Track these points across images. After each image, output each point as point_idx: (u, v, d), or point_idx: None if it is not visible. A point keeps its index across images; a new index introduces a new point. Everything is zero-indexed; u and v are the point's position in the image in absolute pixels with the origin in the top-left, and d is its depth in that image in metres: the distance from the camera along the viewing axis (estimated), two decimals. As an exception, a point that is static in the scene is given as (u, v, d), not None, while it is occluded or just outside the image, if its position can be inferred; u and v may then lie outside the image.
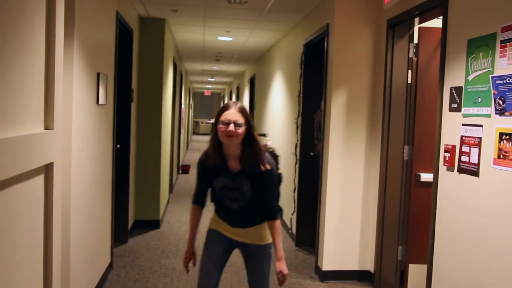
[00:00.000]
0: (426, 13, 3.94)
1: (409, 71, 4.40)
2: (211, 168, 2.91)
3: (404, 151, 4.42)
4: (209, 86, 24.68)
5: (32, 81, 1.59)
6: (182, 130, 13.20)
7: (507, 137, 2.69)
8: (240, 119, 2.75)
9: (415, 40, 4.39)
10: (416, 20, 4.30)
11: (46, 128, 1.72)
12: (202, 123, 30.53)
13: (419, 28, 4.34)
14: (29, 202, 1.61)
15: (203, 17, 6.53)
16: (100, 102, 4.09)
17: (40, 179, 1.69)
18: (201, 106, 31.85)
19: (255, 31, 7.37)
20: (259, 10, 5.86)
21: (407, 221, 4.44)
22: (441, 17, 3.51)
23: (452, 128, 3.30)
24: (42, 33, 1.66)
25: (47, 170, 1.74)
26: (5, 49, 1.37)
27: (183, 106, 13.31)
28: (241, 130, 2.75)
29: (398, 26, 4.36)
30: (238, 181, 2.85)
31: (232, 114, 2.75)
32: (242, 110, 2.79)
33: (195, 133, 29.47)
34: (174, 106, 9.19)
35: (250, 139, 2.80)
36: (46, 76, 1.70)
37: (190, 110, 22.44)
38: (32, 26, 1.59)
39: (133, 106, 6.10)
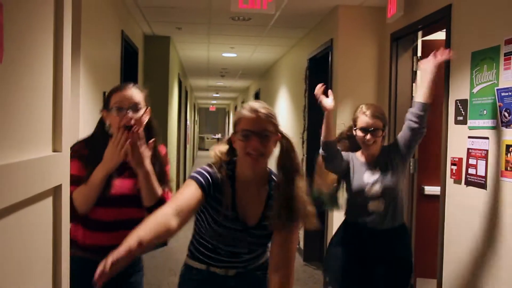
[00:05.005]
0: (429, 27, 3.95)
1: (414, 84, 4.41)
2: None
3: (410, 164, 4.40)
4: (214, 102, 24.80)
5: (41, 103, 1.61)
6: (187, 146, 13.23)
7: (514, 149, 2.68)
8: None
9: (419, 53, 4.40)
10: (420, 33, 4.32)
11: (54, 151, 1.73)
12: (207, 138, 30.59)
13: (422, 41, 4.36)
14: (39, 224, 1.61)
15: (208, 34, 6.58)
16: (107, 122, 4.11)
17: (49, 202, 1.70)
18: (206, 121, 31.95)
19: (260, 46, 7.41)
20: (263, 27, 5.90)
21: (414, 234, 4.42)
22: (445, 30, 3.53)
23: (458, 140, 3.29)
24: (50, 56, 1.68)
25: (56, 192, 1.74)
26: (15, 74, 1.39)
27: (188, 122, 13.36)
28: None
29: (402, 39, 4.38)
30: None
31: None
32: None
33: (201, 148, 29.53)
34: (180, 122, 9.22)
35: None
36: (54, 98, 1.72)
37: (196, 126, 22.51)
38: (40, 49, 1.61)
39: (139, 123, 6.13)
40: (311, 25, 5.73)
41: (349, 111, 4.74)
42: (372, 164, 3.00)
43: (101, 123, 2.25)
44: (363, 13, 4.73)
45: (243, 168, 2.01)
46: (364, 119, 2.93)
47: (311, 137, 5.87)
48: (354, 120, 3.02)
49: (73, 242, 1.95)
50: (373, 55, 4.78)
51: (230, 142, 2.06)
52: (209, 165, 2.04)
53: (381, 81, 4.74)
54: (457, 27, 3.35)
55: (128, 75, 5.53)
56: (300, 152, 6.36)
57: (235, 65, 9.71)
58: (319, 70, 5.73)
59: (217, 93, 18.08)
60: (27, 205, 1.49)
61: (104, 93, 4.04)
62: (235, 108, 21.06)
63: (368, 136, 2.92)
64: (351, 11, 4.73)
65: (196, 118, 22.61)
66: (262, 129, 1.92)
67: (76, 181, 2.00)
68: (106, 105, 2.21)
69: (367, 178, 2.98)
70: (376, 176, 2.97)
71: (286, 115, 7.67)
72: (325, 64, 5.32)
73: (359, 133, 2.96)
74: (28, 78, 1.48)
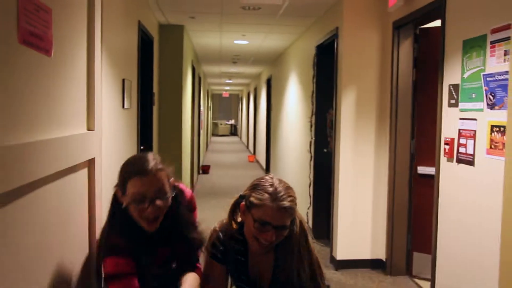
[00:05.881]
0: (427, 16, 4.19)
1: (414, 70, 4.66)
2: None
3: (411, 145, 4.68)
4: (227, 88, 25.05)
5: (78, 89, 1.91)
6: (201, 132, 13.55)
7: (497, 129, 2.95)
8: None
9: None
10: (419, 21, 4.55)
11: (88, 129, 2.04)
12: (221, 124, 30.92)
13: (420, 29, 4.60)
14: (77, 189, 1.93)
15: (220, 23, 6.85)
16: (125, 106, 4.42)
17: (84, 171, 2.02)
18: (219, 107, 32.24)
19: (270, 34, 7.67)
20: (273, 15, 6.16)
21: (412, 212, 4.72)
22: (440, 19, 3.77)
23: (451, 122, 3.56)
24: (84, 51, 1.98)
25: (90, 164, 2.06)
26: (59, 65, 1.70)
27: (202, 108, 13.66)
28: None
29: (403, 27, 4.62)
30: None
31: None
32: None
33: (214, 134, 29.86)
34: (194, 108, 9.53)
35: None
36: (88, 86, 2.02)
37: (209, 112, 22.82)
38: (77, 45, 1.91)
39: (155, 109, 6.44)
40: (318, 14, 5.98)
41: (354, 96, 5.01)
42: None
43: (117, 203, 1.90)
44: (366, 2, 4.98)
45: (251, 243, 1.94)
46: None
47: (318, 121, 6.15)
48: None
49: None
50: (376, 43, 5.03)
51: (238, 206, 1.96)
52: (219, 239, 2.00)
53: (384, 67, 4.99)
54: (450, 17, 3.60)
55: (145, 62, 5.83)
56: (308, 135, 6.65)
57: (247, 52, 9.96)
58: (326, 57, 5.98)
59: (230, 79, 18.33)
60: (68, 174, 1.81)
61: (124, 81, 4.34)
62: (248, 94, 21.31)
63: None
64: (355, 1, 4.98)
65: (209, 104, 22.92)
66: (282, 224, 1.84)
67: (115, 277, 1.80)
68: (122, 188, 1.87)
69: None
70: None
71: (296, 100, 7.95)
72: (331, 51, 5.57)
73: None
74: (69, 69, 1.78)
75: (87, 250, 2.03)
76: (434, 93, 3.85)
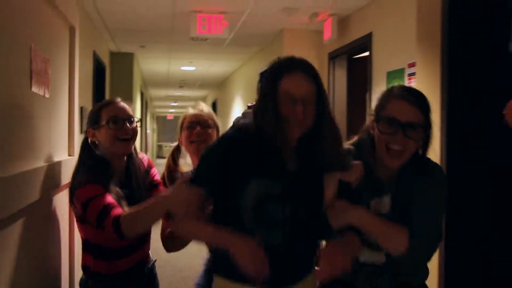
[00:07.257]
0: (357, 48, 4.73)
1: (348, 96, 5.18)
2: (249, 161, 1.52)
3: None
4: (172, 110, 25.28)
5: (62, 121, 2.26)
6: (148, 154, 13.74)
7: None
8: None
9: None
10: (352, 53, 5.09)
11: (69, 155, 2.38)
12: (165, 146, 30.91)
13: (352, 59, 5.14)
14: (60, 210, 2.26)
15: (168, 51, 7.23)
16: (82, 132, 4.70)
17: (66, 193, 2.34)
18: (164, 130, 32.27)
19: (216, 61, 8.10)
20: (219, 45, 6.60)
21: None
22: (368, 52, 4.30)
23: (379, 143, 4.05)
24: (66, 90, 2.33)
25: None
26: (52, 103, 2.04)
27: (148, 130, 13.87)
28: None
29: (337, 58, 5.15)
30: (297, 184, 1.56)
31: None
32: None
33: (159, 156, 29.79)
34: (141, 131, 9.79)
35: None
36: (69, 117, 2.37)
37: (154, 134, 22.94)
38: (61, 85, 2.26)
39: (107, 133, 6.68)
40: (262, 45, 6.48)
41: (295, 119, 5.48)
42: (386, 185, 1.74)
43: (88, 147, 2.02)
44: (305, 35, 5.50)
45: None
46: (397, 105, 1.64)
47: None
48: (378, 109, 1.75)
49: (97, 276, 1.93)
50: (314, 71, 5.53)
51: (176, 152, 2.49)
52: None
53: (322, 93, 5.49)
54: (376, 51, 4.13)
55: (99, 89, 6.12)
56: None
57: (194, 77, 10.36)
58: (269, 83, 6.45)
59: (175, 102, 18.61)
60: (54, 195, 2.14)
61: (82, 108, 4.63)
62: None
63: (399, 136, 1.62)
64: (295, 34, 5.50)
65: (154, 127, 23.05)
66: (204, 120, 2.36)
67: (90, 200, 1.83)
68: (95, 123, 1.98)
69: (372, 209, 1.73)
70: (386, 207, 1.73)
71: (242, 123, 8.38)
72: (274, 78, 6.05)
73: (383, 128, 1.66)
74: (57, 105, 2.13)
75: (67, 268, 2.35)
76: (364, 117, 4.36)
